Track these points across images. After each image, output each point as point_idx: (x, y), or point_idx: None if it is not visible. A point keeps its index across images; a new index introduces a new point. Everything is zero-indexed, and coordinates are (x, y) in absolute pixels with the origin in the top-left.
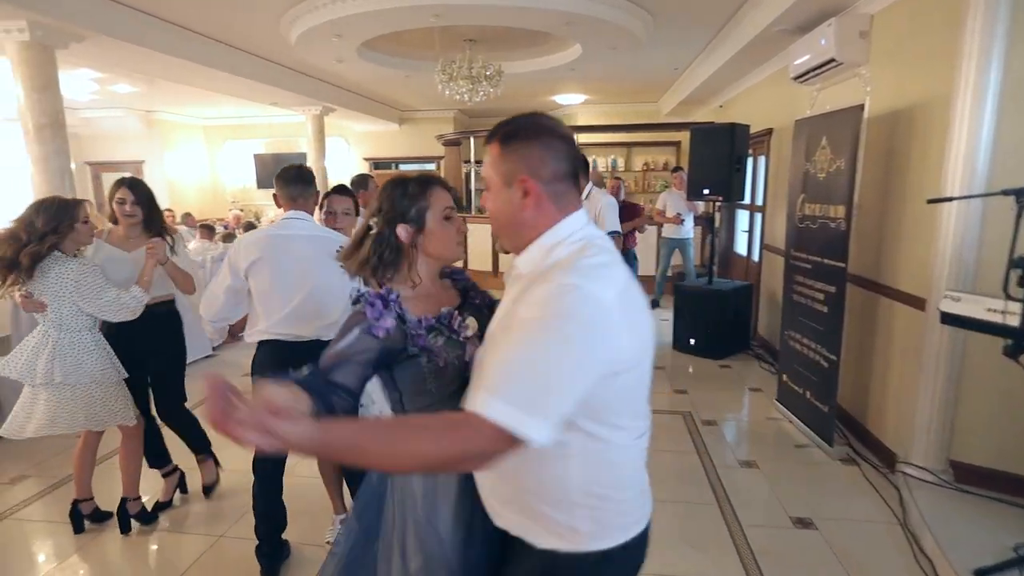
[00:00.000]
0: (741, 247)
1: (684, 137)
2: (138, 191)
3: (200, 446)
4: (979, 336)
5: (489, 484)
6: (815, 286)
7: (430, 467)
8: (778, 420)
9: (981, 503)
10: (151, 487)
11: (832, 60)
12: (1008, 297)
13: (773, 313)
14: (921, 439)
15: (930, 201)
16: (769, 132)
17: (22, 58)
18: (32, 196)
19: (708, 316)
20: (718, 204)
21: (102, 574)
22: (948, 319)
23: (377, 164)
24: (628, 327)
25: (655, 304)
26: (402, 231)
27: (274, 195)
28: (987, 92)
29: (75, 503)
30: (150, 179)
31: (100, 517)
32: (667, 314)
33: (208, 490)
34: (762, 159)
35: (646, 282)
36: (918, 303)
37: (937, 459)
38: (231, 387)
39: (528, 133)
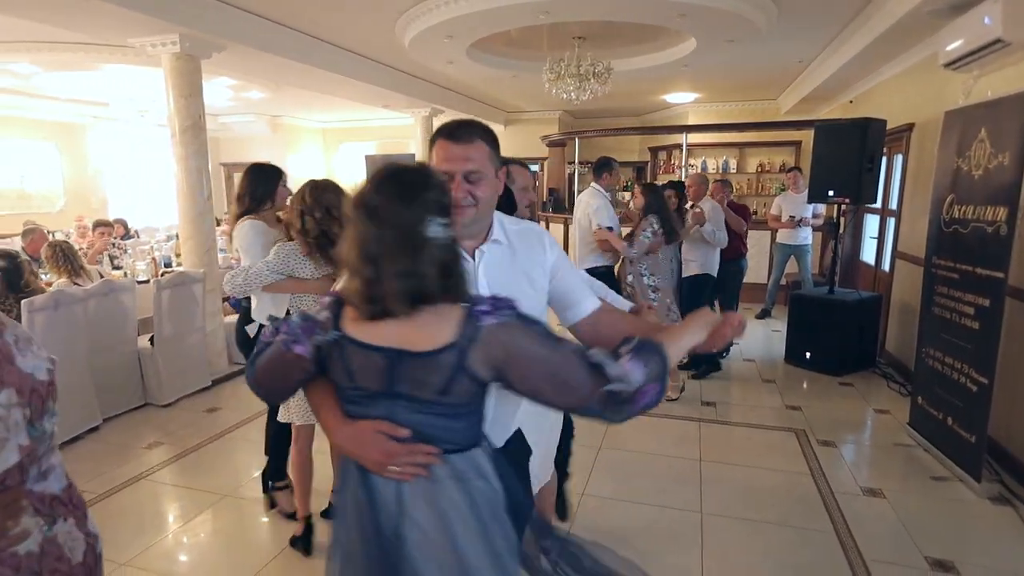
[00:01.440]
0: (868, 255)
1: (806, 136)
2: None
3: None
4: None
5: None
6: (964, 298)
7: None
8: (910, 447)
9: None
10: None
11: (997, 40)
12: None
13: (906, 328)
14: None
15: None
16: (909, 127)
17: (173, 68)
18: (175, 193)
19: (828, 328)
20: (843, 208)
21: (223, 537)
22: None
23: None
24: None
25: (766, 314)
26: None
27: None
28: None
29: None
30: None
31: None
32: (779, 325)
33: None
34: (898, 158)
35: (756, 290)
36: None
37: None
38: None
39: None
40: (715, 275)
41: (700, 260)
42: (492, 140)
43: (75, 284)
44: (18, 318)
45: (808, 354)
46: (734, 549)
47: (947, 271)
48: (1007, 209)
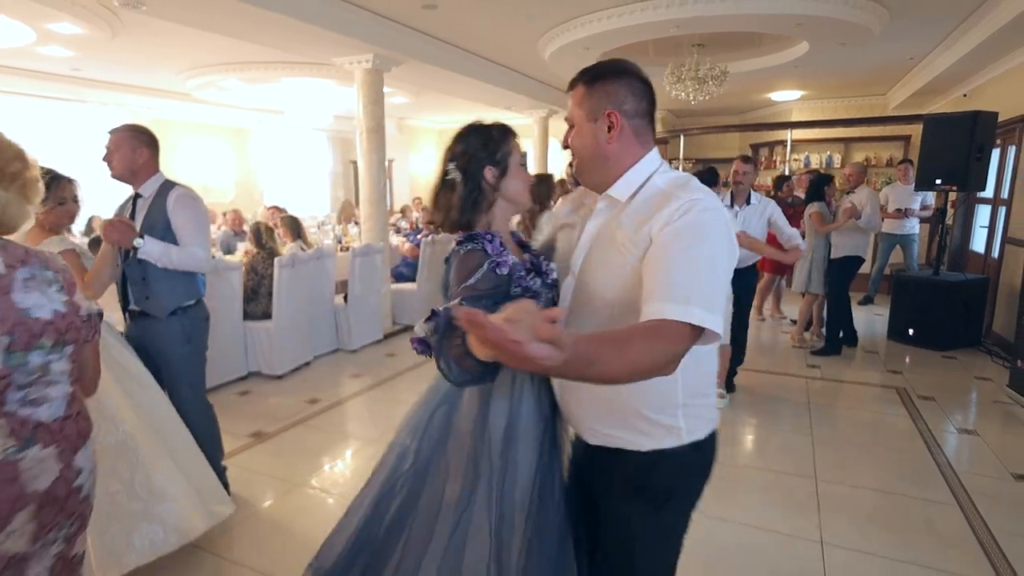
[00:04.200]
0: (978, 244)
1: (915, 131)
2: None
3: None
4: None
5: (592, 411)
6: None
7: (644, 374)
8: (1008, 404)
9: None
10: None
11: None
12: None
13: (1013, 310)
14: None
15: None
16: (1022, 120)
17: (363, 80)
18: (361, 181)
19: (932, 307)
20: (952, 198)
21: None
22: None
23: None
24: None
25: (868, 300)
26: (488, 173)
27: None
28: None
29: None
30: (398, 174)
31: None
32: (881, 310)
33: None
34: (1012, 149)
35: (859, 279)
36: None
37: None
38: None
39: (612, 73)
40: (864, 256)
41: (852, 243)
42: (596, 76)
43: (301, 249)
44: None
45: (911, 331)
46: (840, 458)
47: None
48: None
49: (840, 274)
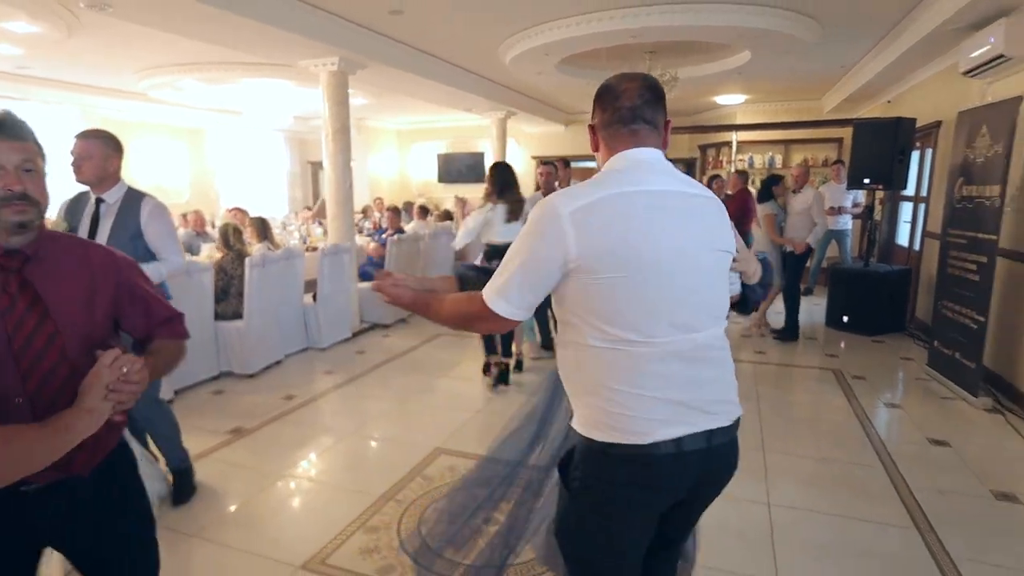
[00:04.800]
0: (903, 238)
1: (847, 133)
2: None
3: None
4: None
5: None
6: (968, 258)
7: (459, 325)
8: (927, 381)
9: None
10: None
11: (1001, 56)
12: None
13: (932, 297)
14: None
15: None
16: (937, 125)
17: (328, 82)
18: (326, 182)
19: (863, 297)
20: (880, 195)
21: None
22: None
23: (544, 162)
24: (581, 233)
25: (808, 292)
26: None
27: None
28: None
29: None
30: (358, 174)
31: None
32: (819, 300)
33: None
34: (929, 151)
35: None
36: None
37: None
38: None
39: (597, 93)
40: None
41: (804, 235)
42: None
43: (269, 250)
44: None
45: (846, 318)
46: (784, 432)
47: (957, 238)
48: (1000, 187)
49: (796, 264)
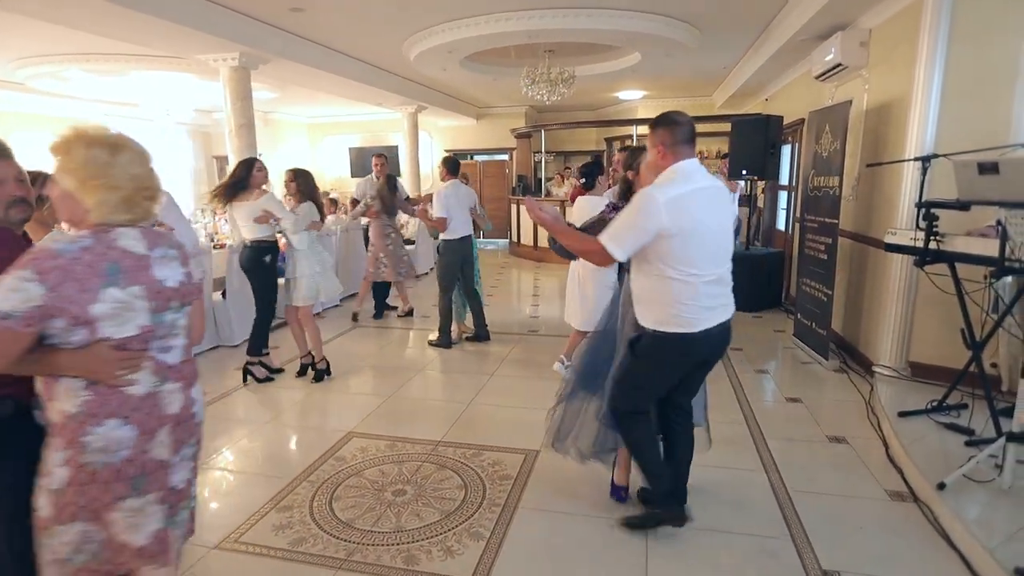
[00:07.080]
0: (782, 224)
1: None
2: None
3: None
4: (930, 268)
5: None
6: (819, 240)
7: (579, 252)
8: (792, 349)
9: (925, 387)
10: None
11: (839, 64)
12: (917, 228)
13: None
14: (887, 346)
15: (868, 165)
16: (801, 122)
17: (230, 77)
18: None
19: (744, 277)
20: (759, 184)
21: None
22: (891, 248)
23: (457, 155)
24: (671, 213)
25: None
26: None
27: None
28: (932, 89)
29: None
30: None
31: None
32: None
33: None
34: (797, 146)
35: None
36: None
37: (899, 360)
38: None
39: (665, 122)
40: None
41: None
42: (652, 125)
43: None
44: None
45: None
46: None
47: (811, 223)
48: (838, 178)
49: None
